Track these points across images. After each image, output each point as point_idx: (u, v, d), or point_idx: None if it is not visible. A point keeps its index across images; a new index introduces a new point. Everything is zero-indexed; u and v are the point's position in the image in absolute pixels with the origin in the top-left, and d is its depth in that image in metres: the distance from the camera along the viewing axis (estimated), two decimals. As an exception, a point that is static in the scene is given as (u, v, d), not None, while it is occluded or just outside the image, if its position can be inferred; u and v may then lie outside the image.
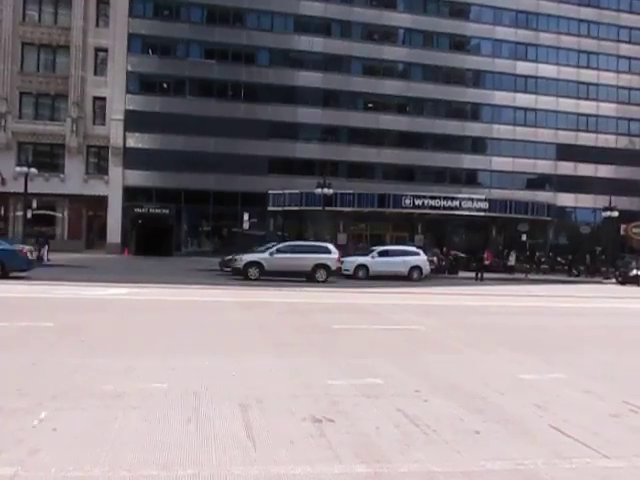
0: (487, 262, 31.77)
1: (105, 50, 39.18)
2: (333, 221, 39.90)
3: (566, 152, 49.81)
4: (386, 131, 44.84)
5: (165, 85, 41.81)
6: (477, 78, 48.84)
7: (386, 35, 46.41)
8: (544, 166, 49.73)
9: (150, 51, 41.66)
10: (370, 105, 45.77)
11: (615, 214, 36.34)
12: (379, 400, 5.09)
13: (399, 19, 46.33)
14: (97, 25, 39.17)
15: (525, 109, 49.20)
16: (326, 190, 31.86)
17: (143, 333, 8.46)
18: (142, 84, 41.21)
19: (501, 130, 48.37)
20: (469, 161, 47.35)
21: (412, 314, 12.30)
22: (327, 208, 33.48)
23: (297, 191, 39.23)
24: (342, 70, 44.74)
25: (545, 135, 49.64)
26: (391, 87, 45.28)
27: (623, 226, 43.45)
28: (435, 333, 9.54)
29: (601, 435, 4.36)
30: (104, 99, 39.08)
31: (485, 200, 42.21)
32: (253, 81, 42.50)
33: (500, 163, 47.98)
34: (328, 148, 43.32)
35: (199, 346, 7.51)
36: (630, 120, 52.79)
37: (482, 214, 41.75)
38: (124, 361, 6.25)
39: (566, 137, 50.12)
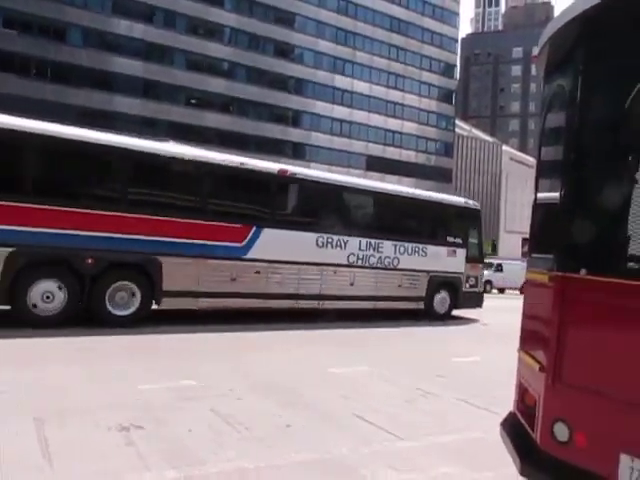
0: None
1: None
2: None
3: (375, 163, 54.54)
4: (209, 129, 44.26)
5: (-50, 52, 35.81)
6: (299, 86, 50.91)
7: (211, 32, 45.84)
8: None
9: None
10: (193, 101, 44.75)
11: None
12: (192, 402, 4.96)
13: (225, 17, 46.13)
14: None
15: (341, 120, 52.69)
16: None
17: None
18: None
19: (320, 138, 51.07)
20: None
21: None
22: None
23: (111, 184, 36.57)
24: (164, 61, 43.04)
25: (358, 146, 53.74)
26: (216, 85, 44.86)
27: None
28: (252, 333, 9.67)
29: (397, 419, 4.82)
30: None
31: (303, 204, 44.17)
32: (63, 60, 38.57)
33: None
34: (147, 141, 41.19)
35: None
36: (427, 140, 59.84)
37: (300, 217, 43.58)
38: None
39: (375, 150, 54.91)
